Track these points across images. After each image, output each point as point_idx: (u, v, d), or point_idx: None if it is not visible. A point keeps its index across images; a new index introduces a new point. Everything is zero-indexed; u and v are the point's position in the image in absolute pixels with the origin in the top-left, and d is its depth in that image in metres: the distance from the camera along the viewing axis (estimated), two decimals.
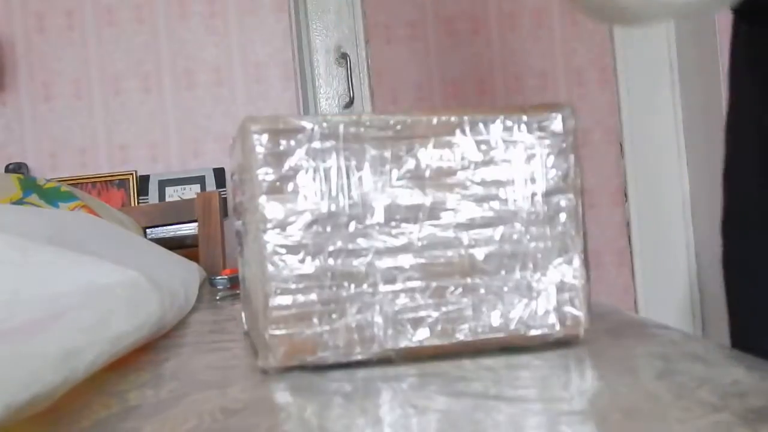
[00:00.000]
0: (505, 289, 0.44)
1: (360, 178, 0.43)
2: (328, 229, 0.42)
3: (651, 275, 2.62)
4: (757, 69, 0.69)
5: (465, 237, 0.44)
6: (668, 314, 2.62)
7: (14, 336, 0.38)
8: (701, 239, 2.59)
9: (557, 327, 0.45)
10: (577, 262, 0.45)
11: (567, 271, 0.45)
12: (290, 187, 0.42)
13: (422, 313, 0.43)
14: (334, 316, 0.42)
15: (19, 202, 0.92)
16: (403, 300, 0.43)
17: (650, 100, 2.61)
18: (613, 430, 0.29)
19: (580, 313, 0.45)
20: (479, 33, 2.57)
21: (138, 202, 2.38)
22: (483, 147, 0.44)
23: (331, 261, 0.42)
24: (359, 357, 0.43)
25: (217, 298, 0.82)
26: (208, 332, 0.60)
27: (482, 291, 0.44)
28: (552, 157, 0.45)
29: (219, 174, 2.42)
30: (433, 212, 0.44)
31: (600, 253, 2.61)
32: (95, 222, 0.79)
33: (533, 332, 0.44)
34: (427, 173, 0.44)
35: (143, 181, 2.41)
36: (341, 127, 0.43)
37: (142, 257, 0.74)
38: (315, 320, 0.42)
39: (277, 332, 0.42)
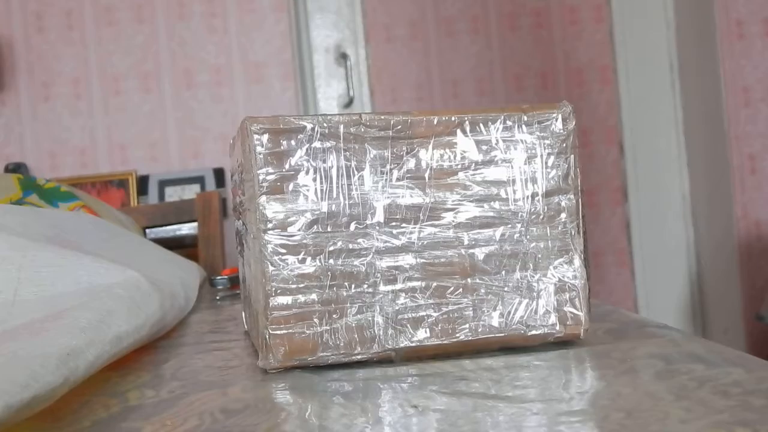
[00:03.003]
0: (506, 289, 0.44)
1: (360, 178, 0.43)
2: (329, 229, 0.42)
3: (651, 275, 2.62)
4: None
5: (465, 237, 0.44)
6: (668, 314, 2.62)
7: (14, 336, 0.38)
8: (701, 239, 2.59)
9: (557, 327, 0.45)
10: (577, 262, 0.45)
11: (567, 271, 0.45)
12: (291, 187, 0.42)
13: (422, 313, 0.43)
14: (334, 316, 0.42)
15: (19, 202, 0.92)
16: (403, 300, 0.43)
17: (650, 101, 2.61)
18: (613, 430, 0.29)
19: (580, 313, 0.45)
20: (479, 33, 2.57)
21: (138, 202, 2.38)
22: (483, 147, 0.44)
23: (331, 261, 0.42)
24: (359, 357, 0.43)
25: (217, 298, 0.82)
26: (208, 332, 0.60)
27: (482, 291, 0.44)
28: (552, 157, 0.45)
29: (219, 174, 2.42)
30: (434, 212, 0.44)
31: (600, 253, 2.61)
32: (95, 222, 0.79)
33: (533, 332, 0.44)
34: (428, 173, 0.44)
35: (143, 181, 2.41)
36: (341, 127, 0.43)
37: (142, 257, 0.74)
38: (315, 320, 0.42)
39: (278, 332, 0.42)
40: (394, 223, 0.43)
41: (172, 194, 2.38)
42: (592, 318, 0.50)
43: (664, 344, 0.43)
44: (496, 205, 0.44)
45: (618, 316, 0.53)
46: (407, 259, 0.43)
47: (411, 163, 0.43)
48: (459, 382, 0.38)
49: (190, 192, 2.37)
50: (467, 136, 0.44)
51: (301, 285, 0.42)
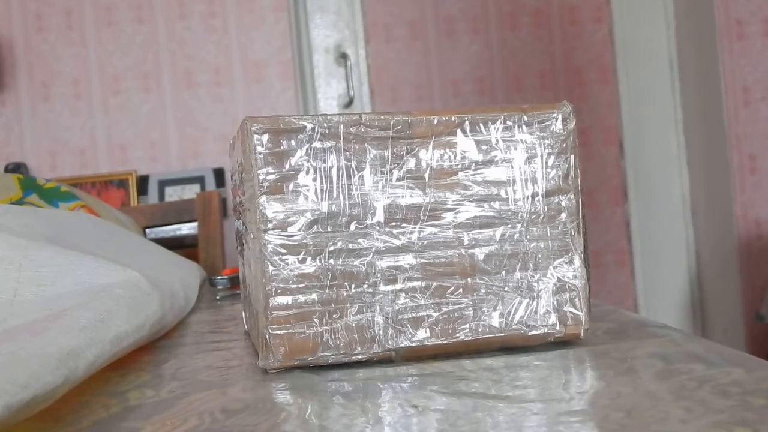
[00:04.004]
0: (506, 289, 0.44)
1: (360, 178, 0.43)
2: (329, 229, 0.42)
3: (651, 275, 2.62)
4: None
5: (465, 237, 0.44)
6: (668, 314, 2.62)
7: (14, 336, 0.38)
8: (701, 239, 2.59)
9: (557, 327, 0.45)
10: (577, 262, 0.45)
11: (567, 271, 0.45)
12: (291, 187, 0.42)
13: (422, 313, 0.43)
14: (334, 316, 0.42)
15: (19, 202, 0.92)
16: (403, 300, 0.43)
17: (650, 101, 2.61)
18: (613, 430, 0.29)
19: (580, 313, 0.45)
20: (479, 33, 2.57)
21: (138, 202, 2.38)
22: (483, 147, 0.44)
23: (331, 261, 0.42)
24: (359, 357, 0.43)
25: (217, 298, 0.82)
26: (208, 332, 0.60)
27: (482, 291, 0.44)
28: (552, 157, 0.45)
29: (219, 174, 2.42)
30: (434, 212, 0.44)
31: (600, 253, 2.61)
32: (95, 222, 0.79)
33: (533, 332, 0.44)
34: (428, 173, 0.44)
35: (143, 181, 2.41)
36: (341, 127, 0.43)
37: (142, 257, 0.74)
38: (315, 320, 0.42)
39: (278, 332, 0.42)
40: (394, 223, 0.43)
41: (172, 194, 2.38)
42: (592, 318, 0.50)
43: (664, 344, 0.43)
44: (496, 205, 0.44)
45: (618, 316, 0.53)
46: (407, 259, 0.43)
47: (411, 163, 0.43)
48: (459, 382, 0.38)
49: (190, 192, 2.37)
50: (467, 136, 0.44)
51: (301, 285, 0.42)
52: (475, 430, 0.30)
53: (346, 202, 0.43)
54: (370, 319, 0.43)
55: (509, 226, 0.45)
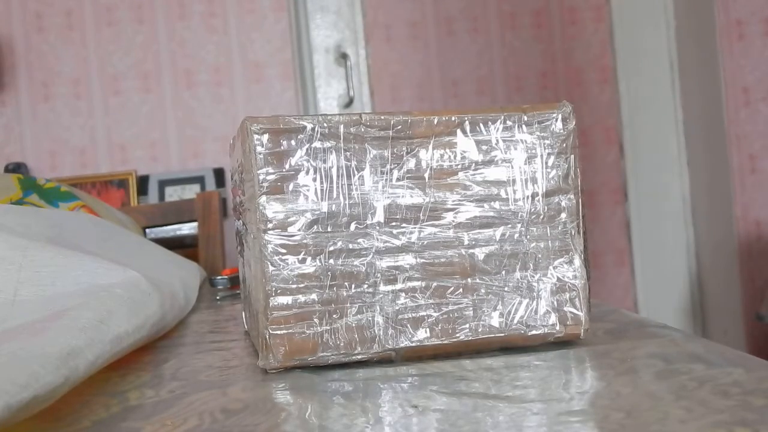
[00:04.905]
0: (506, 289, 0.44)
1: (360, 178, 0.43)
2: (329, 229, 0.42)
3: (651, 275, 2.62)
4: None
5: (465, 237, 0.44)
6: (668, 314, 2.62)
7: (14, 336, 0.38)
8: (701, 239, 2.59)
9: (557, 327, 0.45)
10: (577, 262, 0.45)
11: (567, 271, 0.45)
12: (291, 187, 0.42)
13: (422, 313, 0.43)
14: (334, 316, 0.42)
15: (19, 202, 0.92)
16: (403, 300, 0.43)
17: (650, 101, 2.61)
18: (613, 430, 0.29)
19: (580, 313, 0.45)
20: (479, 33, 2.57)
21: (138, 202, 2.38)
22: (483, 147, 0.44)
23: (331, 261, 0.42)
24: (359, 357, 0.43)
25: (217, 298, 0.82)
26: (208, 332, 0.60)
27: (482, 291, 0.44)
28: (552, 157, 0.45)
29: (219, 174, 2.42)
30: (434, 212, 0.44)
31: (600, 253, 2.61)
32: (95, 222, 0.79)
33: (533, 332, 0.44)
34: (428, 173, 0.44)
35: (143, 181, 2.41)
36: (342, 127, 0.43)
37: (142, 257, 0.74)
38: (315, 320, 0.42)
39: (278, 332, 0.42)
40: (394, 223, 0.43)
41: (172, 194, 2.38)
42: (592, 318, 0.50)
43: (664, 344, 0.43)
44: (496, 205, 0.44)
45: (618, 316, 0.53)
46: (407, 259, 0.43)
47: (411, 163, 0.43)
48: (459, 382, 0.38)
49: (190, 192, 2.37)
50: (467, 136, 0.44)
51: (301, 285, 0.42)
52: (475, 430, 0.30)
53: (346, 202, 0.43)
54: (370, 319, 0.43)
55: (509, 226, 0.45)
